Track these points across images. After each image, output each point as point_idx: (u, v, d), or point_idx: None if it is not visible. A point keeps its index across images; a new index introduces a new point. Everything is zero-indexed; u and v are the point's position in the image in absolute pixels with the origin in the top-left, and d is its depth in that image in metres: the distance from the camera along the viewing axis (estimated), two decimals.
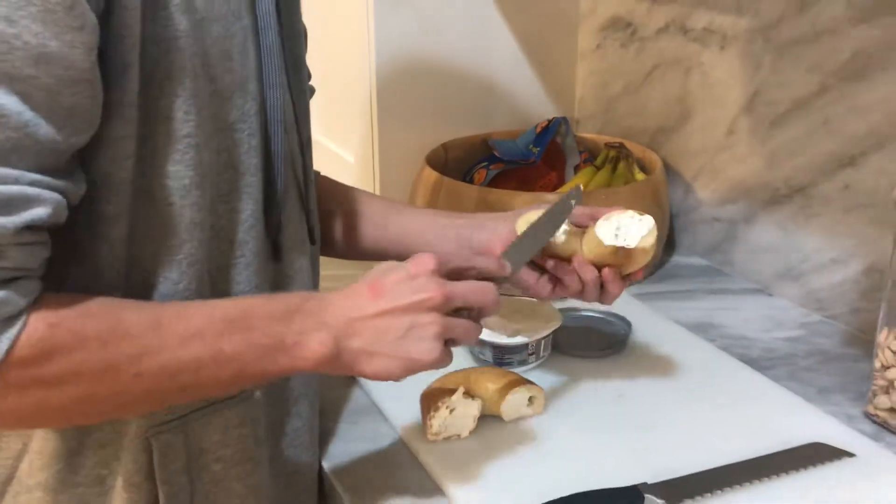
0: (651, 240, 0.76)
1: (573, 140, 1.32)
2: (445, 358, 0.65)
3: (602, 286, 0.78)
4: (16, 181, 0.52)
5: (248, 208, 0.66)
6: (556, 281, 0.79)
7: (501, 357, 0.91)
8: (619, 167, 1.25)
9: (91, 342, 0.56)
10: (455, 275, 0.67)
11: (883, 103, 0.96)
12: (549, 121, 1.32)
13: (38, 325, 0.54)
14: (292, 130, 0.73)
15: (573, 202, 0.77)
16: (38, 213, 0.53)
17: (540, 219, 0.76)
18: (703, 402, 0.87)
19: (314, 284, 0.80)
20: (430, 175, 1.17)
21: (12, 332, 0.53)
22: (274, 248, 0.71)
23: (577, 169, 1.32)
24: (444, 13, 1.31)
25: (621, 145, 1.27)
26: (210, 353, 0.59)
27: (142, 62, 0.57)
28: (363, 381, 0.92)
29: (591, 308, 1.04)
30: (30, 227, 0.53)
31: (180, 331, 0.58)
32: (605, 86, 1.40)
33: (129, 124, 0.57)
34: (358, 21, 1.30)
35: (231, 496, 0.69)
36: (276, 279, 0.72)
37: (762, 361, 0.96)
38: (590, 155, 1.33)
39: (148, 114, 0.58)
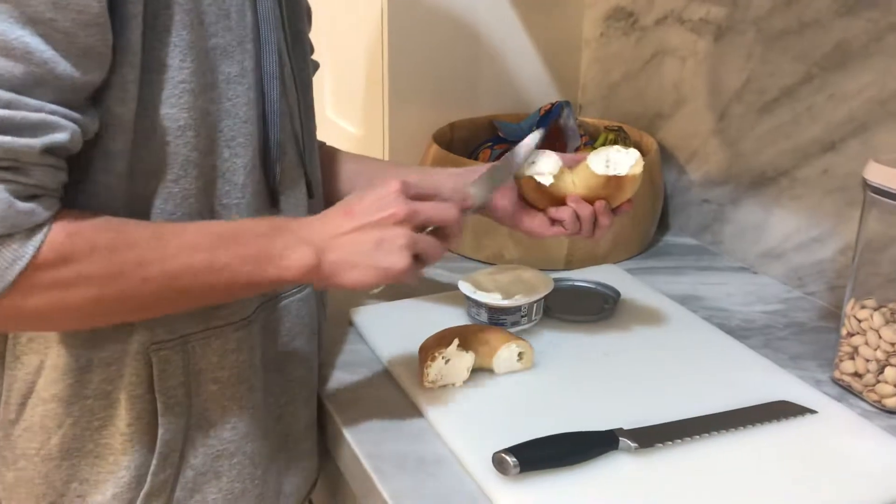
0: (638, 169, 0.84)
1: (575, 123, 1.39)
2: (413, 269, 0.72)
3: (595, 220, 0.86)
4: (39, 109, 0.60)
5: (248, 154, 0.74)
6: (553, 221, 0.87)
7: (496, 318, 0.98)
8: None
9: (102, 250, 0.64)
10: (420, 199, 0.74)
11: (862, 92, 1.02)
12: (552, 104, 1.38)
13: (58, 233, 0.62)
14: (291, 91, 0.81)
15: (530, 140, 0.85)
16: (58, 137, 0.61)
17: (502, 157, 0.84)
18: (680, 363, 0.93)
19: None
20: (437, 152, 1.24)
21: (37, 239, 0.61)
22: (271, 195, 0.79)
23: (577, 151, 1.38)
24: (455, 1, 1.37)
25: (620, 129, 1.33)
26: (205, 262, 0.67)
27: (144, 14, 0.65)
28: (363, 333, 0.99)
29: (581, 278, 1.10)
30: (50, 151, 0.61)
31: (179, 242, 0.67)
32: (606, 73, 1.46)
33: (132, 69, 0.65)
34: (371, 8, 1.37)
35: (226, 414, 0.77)
36: None
37: (740, 331, 1.03)
38: (590, 138, 1.40)
39: (149, 61, 0.66)
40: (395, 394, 0.89)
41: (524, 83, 1.49)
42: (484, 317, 0.98)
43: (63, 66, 0.60)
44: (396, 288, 1.13)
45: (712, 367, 0.93)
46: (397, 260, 0.71)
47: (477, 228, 1.18)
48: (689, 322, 1.03)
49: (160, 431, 0.73)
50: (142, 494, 0.74)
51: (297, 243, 0.70)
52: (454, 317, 1.02)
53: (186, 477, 0.76)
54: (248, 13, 0.73)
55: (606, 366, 0.93)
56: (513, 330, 0.97)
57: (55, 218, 0.62)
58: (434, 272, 1.18)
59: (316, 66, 0.94)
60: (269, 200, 0.78)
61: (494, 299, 0.97)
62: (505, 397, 0.87)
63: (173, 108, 0.68)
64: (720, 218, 1.26)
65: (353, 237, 0.71)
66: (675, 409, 0.84)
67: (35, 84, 0.59)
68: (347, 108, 1.55)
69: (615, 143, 1.32)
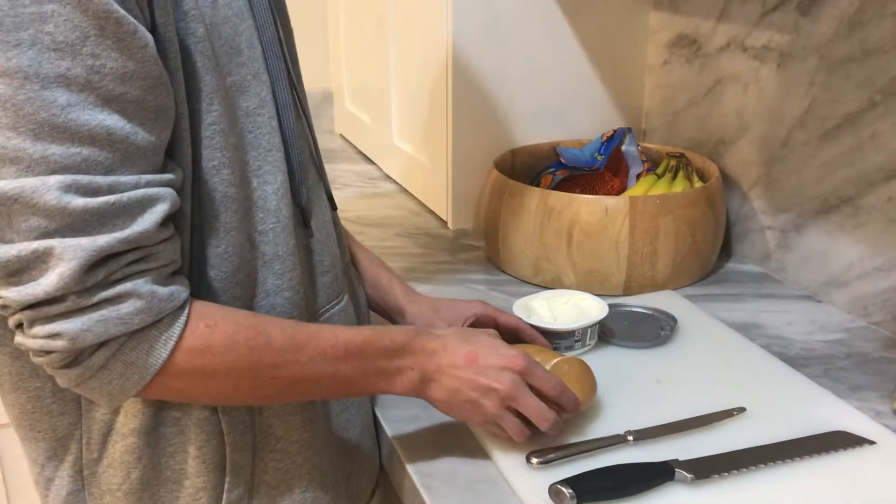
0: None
1: (637, 149, 1.40)
2: (489, 429, 0.82)
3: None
4: (136, 185, 0.63)
5: (276, 181, 0.77)
6: None
7: (550, 342, 0.99)
8: (678, 176, 1.32)
9: (241, 346, 0.69)
10: (535, 382, 0.80)
11: None
12: (615, 130, 1.39)
13: (198, 323, 0.67)
14: (300, 113, 0.85)
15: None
16: (163, 208, 0.64)
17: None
18: (736, 392, 0.93)
19: (339, 244, 0.91)
20: (496, 178, 1.26)
21: (182, 320, 0.66)
22: (302, 215, 0.83)
23: (639, 177, 1.39)
24: (519, 27, 1.40)
25: (682, 155, 1.33)
26: (330, 372, 0.74)
27: (182, 67, 0.68)
28: None
29: (639, 303, 1.11)
30: (164, 223, 0.65)
31: (311, 350, 0.73)
32: (669, 99, 1.47)
33: (182, 119, 0.68)
34: (436, 30, 1.40)
35: (289, 428, 0.81)
36: (306, 242, 0.84)
37: (799, 360, 1.02)
38: (652, 164, 1.40)
39: (180, 109, 0.68)
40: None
41: (587, 109, 1.50)
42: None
43: (141, 136, 0.63)
44: None
45: (769, 397, 0.92)
46: (479, 420, 0.80)
47: (536, 252, 1.20)
48: (747, 350, 1.02)
49: (227, 450, 0.77)
50: None
51: (412, 369, 0.78)
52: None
53: (261, 493, 0.80)
54: (257, 44, 0.77)
55: (661, 393, 0.93)
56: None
57: (190, 303, 0.67)
58: (492, 295, 1.20)
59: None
60: (301, 220, 0.83)
61: (548, 323, 0.98)
62: None
63: (207, 150, 0.71)
64: (783, 245, 1.25)
65: (458, 384, 0.78)
66: (731, 439, 0.84)
67: (122, 161, 0.62)
68: (413, 136, 1.59)
69: (677, 169, 1.32)
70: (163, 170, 0.66)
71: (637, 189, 1.33)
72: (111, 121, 0.61)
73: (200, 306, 0.68)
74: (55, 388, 0.75)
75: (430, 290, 1.23)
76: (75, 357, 0.63)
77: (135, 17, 0.62)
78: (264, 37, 0.77)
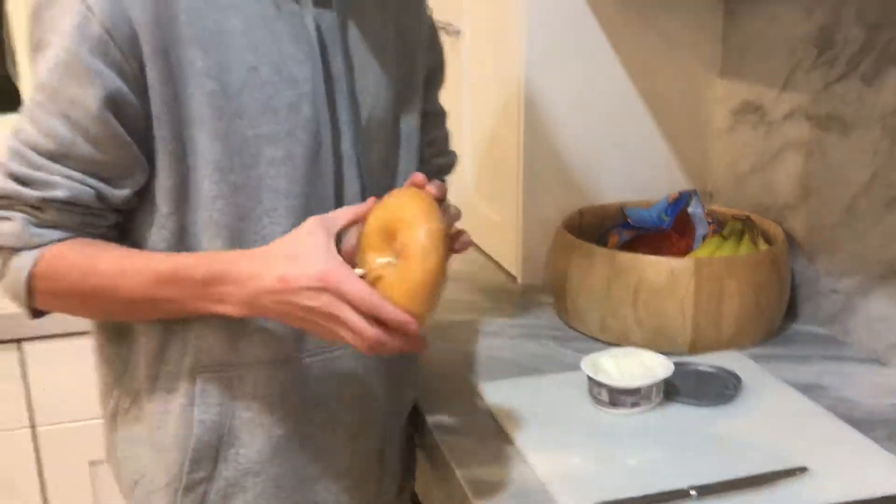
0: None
1: (703, 211, 1.44)
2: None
3: None
4: (57, 172, 0.83)
5: (288, 224, 0.89)
6: None
7: (616, 398, 1.03)
8: (744, 238, 1.36)
9: (75, 272, 0.85)
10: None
11: None
12: (681, 193, 1.44)
13: (52, 255, 0.85)
14: (351, 173, 0.94)
15: None
16: (56, 194, 0.82)
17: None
18: (799, 452, 0.95)
19: None
20: (565, 237, 1.32)
21: (35, 253, 0.84)
22: None
23: (705, 238, 1.43)
24: (590, 90, 1.46)
25: (747, 218, 1.37)
26: (153, 296, 0.85)
27: (171, 114, 0.84)
28: (488, 402, 1.07)
29: (704, 362, 1.14)
30: (65, 202, 0.83)
31: (132, 276, 0.84)
32: (735, 163, 1.51)
33: (166, 151, 0.85)
34: (509, 92, 1.48)
35: (253, 439, 0.94)
36: None
37: (863, 423, 1.04)
38: (718, 226, 1.44)
39: (184, 144, 0.85)
40: (502, 439, 0.96)
41: (654, 171, 1.55)
42: (605, 397, 1.04)
43: (82, 147, 0.82)
44: (522, 364, 1.21)
45: (832, 458, 0.95)
46: (329, 338, 0.81)
47: (603, 310, 1.25)
48: (811, 411, 1.05)
49: (193, 441, 0.92)
50: (181, 488, 0.94)
51: (232, 295, 0.83)
52: (576, 395, 1.08)
53: (219, 485, 0.95)
54: (306, 107, 0.88)
55: (725, 450, 0.97)
56: (632, 411, 1.02)
57: (57, 243, 0.85)
58: (560, 350, 1.25)
59: (453, 159, 1.05)
60: None
61: (615, 380, 1.03)
62: (617, 463, 0.92)
63: (205, 181, 0.86)
64: (849, 308, 1.27)
65: (286, 308, 0.80)
66: (793, 499, 0.87)
67: (62, 156, 0.83)
68: (484, 193, 1.66)
69: (742, 231, 1.36)
70: (105, 180, 0.84)
71: (703, 250, 1.36)
72: (61, 128, 0.82)
73: (63, 246, 0.85)
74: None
75: (499, 343, 1.28)
76: None
77: (119, 78, 0.81)
78: (316, 107, 0.89)
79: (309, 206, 0.90)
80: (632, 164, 1.53)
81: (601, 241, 1.44)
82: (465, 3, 1.65)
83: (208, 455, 0.94)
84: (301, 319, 0.81)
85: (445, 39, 1.75)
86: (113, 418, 0.99)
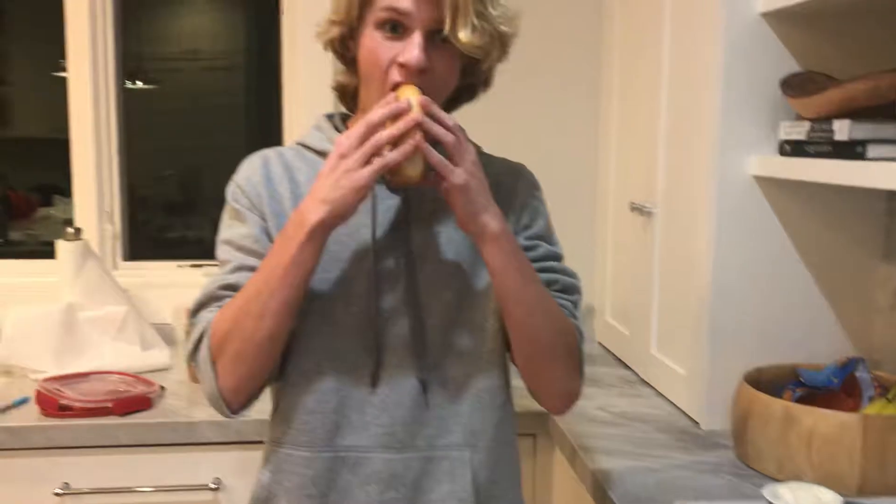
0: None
1: (869, 376, 1.64)
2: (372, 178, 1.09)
3: None
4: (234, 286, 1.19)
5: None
6: None
7: None
8: None
9: (226, 315, 1.16)
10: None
11: None
12: (849, 358, 1.66)
13: (213, 325, 1.17)
14: (414, 321, 1.21)
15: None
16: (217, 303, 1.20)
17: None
18: None
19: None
20: (747, 390, 1.57)
21: (209, 331, 1.17)
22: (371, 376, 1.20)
23: (871, 399, 1.63)
24: (767, 270, 1.73)
25: None
26: (271, 266, 1.14)
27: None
28: None
29: (871, 502, 1.34)
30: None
31: (259, 275, 1.16)
32: None
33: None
34: (699, 265, 1.77)
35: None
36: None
37: None
38: (883, 389, 1.64)
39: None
40: None
41: (823, 339, 1.78)
42: None
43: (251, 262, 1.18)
44: (706, 492, 1.43)
45: None
46: (363, 183, 1.08)
47: (779, 454, 1.47)
48: None
49: (254, 492, 1.27)
50: None
51: (304, 211, 1.11)
52: None
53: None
54: (370, 259, 1.19)
55: None
56: None
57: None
58: (739, 484, 1.47)
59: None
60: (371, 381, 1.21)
61: None
62: None
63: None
64: None
65: (319, 182, 1.10)
66: None
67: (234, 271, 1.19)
68: (669, 349, 1.94)
69: None
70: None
71: (870, 409, 1.56)
72: (235, 256, 1.20)
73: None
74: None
75: (686, 475, 1.52)
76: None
77: (255, 216, 1.21)
78: (379, 265, 1.19)
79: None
80: (804, 331, 1.77)
81: (776, 396, 1.67)
82: (660, 185, 1.99)
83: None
84: (336, 182, 1.08)
85: (638, 219, 2.09)
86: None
